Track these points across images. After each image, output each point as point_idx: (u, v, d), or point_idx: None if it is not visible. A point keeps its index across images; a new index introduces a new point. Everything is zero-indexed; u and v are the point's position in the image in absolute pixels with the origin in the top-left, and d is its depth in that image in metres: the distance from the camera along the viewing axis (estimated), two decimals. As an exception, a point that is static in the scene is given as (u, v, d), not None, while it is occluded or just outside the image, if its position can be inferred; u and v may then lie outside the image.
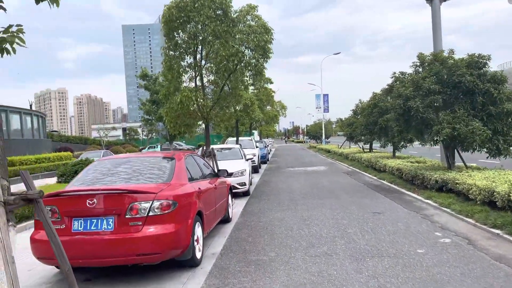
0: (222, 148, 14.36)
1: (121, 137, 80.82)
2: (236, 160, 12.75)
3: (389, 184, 12.58)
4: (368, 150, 22.06)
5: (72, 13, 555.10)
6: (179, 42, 11.95)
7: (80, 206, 4.61)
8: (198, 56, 12.42)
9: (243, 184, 11.44)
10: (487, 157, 10.04)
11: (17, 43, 2.83)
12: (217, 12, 11.58)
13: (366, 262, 5.15)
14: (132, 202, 4.59)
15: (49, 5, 2.71)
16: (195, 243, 5.25)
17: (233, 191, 9.74)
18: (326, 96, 52.23)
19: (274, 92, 36.02)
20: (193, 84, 12.81)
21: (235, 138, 23.62)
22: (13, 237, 2.74)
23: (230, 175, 10.17)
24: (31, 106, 38.48)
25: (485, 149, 9.65)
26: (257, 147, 21.66)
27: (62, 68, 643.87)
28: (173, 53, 12.04)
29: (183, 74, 12.50)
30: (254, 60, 11.96)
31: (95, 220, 4.59)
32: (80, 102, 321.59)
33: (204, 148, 11.90)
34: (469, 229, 6.75)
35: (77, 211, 4.64)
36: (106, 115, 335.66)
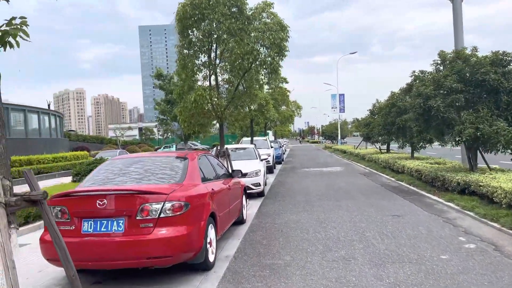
0: (236, 148, 14.19)
1: (137, 137, 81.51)
2: (251, 160, 12.56)
3: (408, 185, 12.23)
4: (386, 150, 21.64)
5: (90, 15, 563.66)
6: (193, 40, 11.80)
7: (90, 206, 4.48)
8: (213, 54, 12.26)
9: (258, 184, 11.25)
10: (512, 159, 9.63)
11: (21, 36, 2.69)
12: (232, 10, 11.40)
13: (386, 268, 4.90)
14: (143, 203, 4.44)
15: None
16: (208, 245, 5.08)
17: (248, 191, 9.56)
18: (342, 96, 51.65)
19: (289, 91, 35.77)
20: (207, 83, 12.67)
21: (249, 138, 23.44)
22: (15, 240, 2.59)
23: (244, 175, 9.99)
24: (49, 105, 38.99)
25: (509, 150, 9.25)
26: (271, 147, 21.46)
27: (80, 69, 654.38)
28: (187, 52, 11.91)
29: (197, 72, 12.36)
30: (269, 58, 11.72)
31: (105, 222, 4.45)
32: (98, 102, 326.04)
33: (218, 148, 11.74)
34: (495, 234, 6.42)
35: (87, 212, 4.51)
36: (122, 115, 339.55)
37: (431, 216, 7.89)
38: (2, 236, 2.38)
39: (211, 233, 5.29)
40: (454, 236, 6.36)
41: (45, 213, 2.79)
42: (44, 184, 16.80)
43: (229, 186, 6.78)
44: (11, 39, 2.66)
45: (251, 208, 9.40)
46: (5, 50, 2.66)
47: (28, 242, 7.00)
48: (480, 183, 8.40)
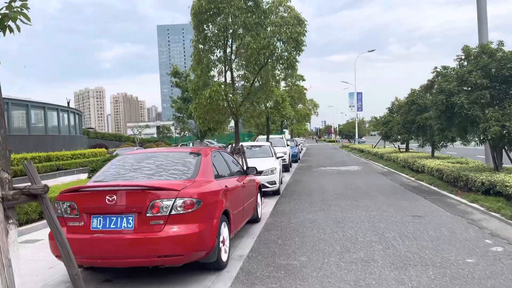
0: (252, 146, 13.98)
1: (155, 135, 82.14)
2: (266, 158, 12.35)
3: (429, 185, 11.84)
4: (404, 149, 21.15)
5: (110, 15, 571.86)
6: (209, 35, 11.61)
7: (99, 202, 4.34)
8: (228, 49, 12.05)
9: (273, 182, 11.04)
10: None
11: (21, 20, 2.54)
12: (248, 3, 11.14)
13: (408, 271, 4.63)
14: (153, 200, 4.28)
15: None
16: (221, 244, 4.90)
17: (263, 190, 9.36)
18: (359, 94, 50.95)
19: (306, 89, 35.38)
20: (222, 79, 12.48)
21: (265, 136, 23.22)
22: (13, 237, 2.44)
23: (259, 173, 9.79)
24: (68, 103, 39.45)
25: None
26: (288, 145, 21.18)
27: (100, 68, 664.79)
28: (202, 47, 11.73)
29: (213, 68, 12.18)
30: (286, 53, 11.45)
31: (114, 218, 4.31)
32: (117, 100, 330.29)
33: (233, 145, 11.55)
34: (524, 237, 6.07)
35: (96, 208, 4.37)
36: (141, 113, 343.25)
37: (454, 217, 7.55)
38: (-3, 232, 2.23)
39: (224, 231, 5.11)
40: (480, 238, 6.03)
41: (46, 208, 2.64)
42: (62, 180, 16.95)
43: (243, 183, 6.58)
44: (11, 23, 2.52)
45: (266, 207, 9.20)
46: (4, 34, 2.52)
47: (41, 237, 6.94)
48: (507, 183, 8.02)
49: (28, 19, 2.55)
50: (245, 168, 8.14)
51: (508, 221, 6.92)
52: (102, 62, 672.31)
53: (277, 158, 13.10)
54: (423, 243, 5.82)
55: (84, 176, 17.64)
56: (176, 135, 65.30)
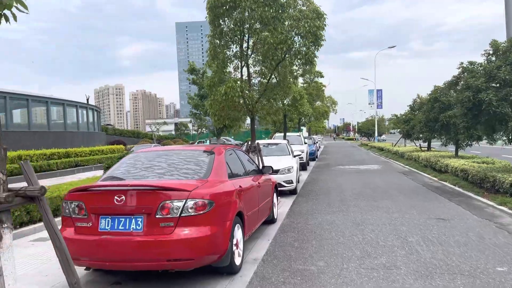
0: (268, 144, 13.70)
1: (172, 132, 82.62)
2: (283, 156, 12.07)
3: (453, 186, 11.38)
4: (426, 148, 20.56)
5: (130, 13, 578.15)
6: (225, 29, 11.36)
7: (108, 202, 4.15)
8: (245, 45, 11.77)
9: (290, 182, 10.76)
10: None
11: (17, 8, 2.35)
12: (265, -4, 10.84)
13: (434, 280, 4.32)
14: (163, 201, 4.07)
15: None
16: (234, 247, 4.67)
17: (279, 189, 9.09)
18: (379, 91, 50.08)
19: (324, 86, 34.87)
20: (238, 75, 12.21)
21: (282, 134, 22.91)
22: (7, 242, 2.26)
23: (275, 172, 9.54)
24: (87, 100, 39.83)
25: None
26: (305, 143, 20.83)
27: (119, 65, 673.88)
28: (218, 42, 11.49)
29: (228, 63, 11.92)
30: (304, 48, 11.10)
31: (123, 219, 4.12)
32: (136, 97, 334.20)
33: (249, 143, 11.31)
34: (559, 243, 5.66)
35: (104, 208, 4.19)
36: (159, 110, 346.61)
37: (481, 221, 7.15)
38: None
39: (238, 234, 4.88)
40: (511, 244, 5.65)
41: (44, 211, 2.44)
42: (79, 176, 17.05)
43: (258, 183, 6.34)
44: (6, 11, 2.33)
45: (282, 207, 8.94)
46: (-1, 23, 2.34)
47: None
48: (538, 186, 7.56)
49: (25, 6, 2.36)
50: (260, 166, 7.90)
51: (541, 226, 6.49)
52: (122, 60, 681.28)
53: (294, 156, 12.80)
54: (449, 248, 5.48)
55: (101, 172, 17.70)
56: (194, 132, 65.54)
